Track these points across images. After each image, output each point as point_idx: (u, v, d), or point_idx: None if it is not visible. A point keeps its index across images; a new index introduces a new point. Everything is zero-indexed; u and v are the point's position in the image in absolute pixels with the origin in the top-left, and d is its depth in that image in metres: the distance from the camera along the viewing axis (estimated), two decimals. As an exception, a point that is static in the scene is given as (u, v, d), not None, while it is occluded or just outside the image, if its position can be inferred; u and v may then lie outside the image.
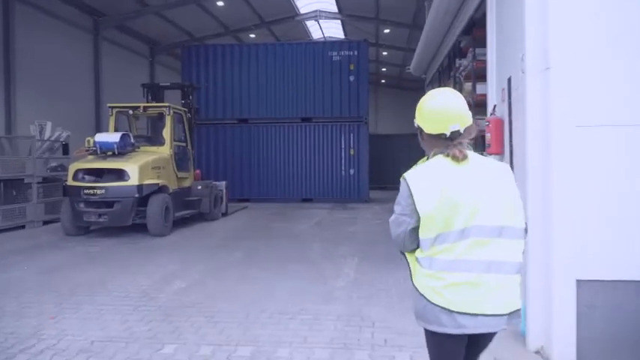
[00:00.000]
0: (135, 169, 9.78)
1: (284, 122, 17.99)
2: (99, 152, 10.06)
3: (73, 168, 10.06)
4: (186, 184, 12.20)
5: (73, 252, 8.65)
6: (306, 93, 17.93)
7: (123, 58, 20.58)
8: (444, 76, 11.37)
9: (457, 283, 2.14)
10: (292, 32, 24.19)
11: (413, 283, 2.28)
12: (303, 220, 12.80)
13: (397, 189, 2.33)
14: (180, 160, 11.79)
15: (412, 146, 23.15)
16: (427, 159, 2.35)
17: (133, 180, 9.70)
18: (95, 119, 18.34)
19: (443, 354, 2.30)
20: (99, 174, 9.88)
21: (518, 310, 2.23)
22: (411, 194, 2.20)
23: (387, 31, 23.52)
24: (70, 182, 9.89)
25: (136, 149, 10.69)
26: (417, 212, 2.19)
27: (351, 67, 17.78)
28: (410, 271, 2.31)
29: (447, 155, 2.23)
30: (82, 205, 9.69)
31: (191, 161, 12.63)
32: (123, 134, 10.34)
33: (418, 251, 2.25)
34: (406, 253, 2.32)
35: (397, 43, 24.65)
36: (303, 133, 17.94)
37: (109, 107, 11.56)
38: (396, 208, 2.30)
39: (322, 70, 17.85)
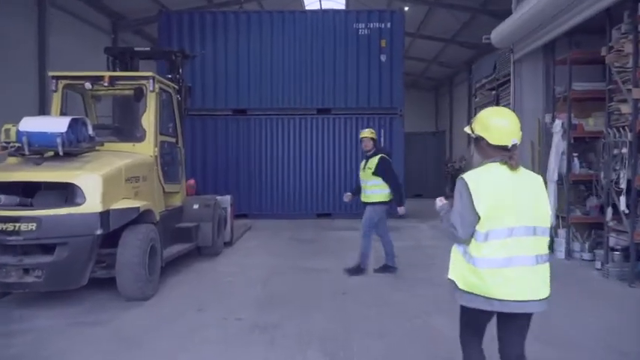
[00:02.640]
0: (95, 183, 5.45)
1: (294, 114, 13.77)
2: (27, 152, 5.61)
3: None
4: (176, 202, 7.89)
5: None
6: (324, 77, 13.74)
7: (78, 32, 15.83)
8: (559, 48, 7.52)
9: (508, 276, 2.64)
10: (287, 7, 19.86)
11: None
12: (347, 252, 8.63)
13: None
14: (168, 165, 7.47)
15: (429, 145, 19.07)
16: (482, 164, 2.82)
17: (92, 203, 5.36)
18: (39, 106, 13.64)
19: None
20: (27, 192, 5.50)
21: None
22: (470, 194, 2.66)
23: (406, 8, 19.52)
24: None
25: (97, 147, 6.36)
26: (475, 209, 2.64)
27: (383, 44, 13.69)
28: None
29: (504, 163, 2.72)
30: (-8, 251, 5.27)
31: (183, 167, 8.32)
32: (73, 120, 5.93)
33: (472, 245, 2.70)
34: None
35: (410, 29, 20.84)
36: (319, 129, 13.72)
37: (53, 78, 7.06)
38: (456, 203, 2.72)
39: (345, 47, 13.70)
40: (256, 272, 7.35)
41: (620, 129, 6.75)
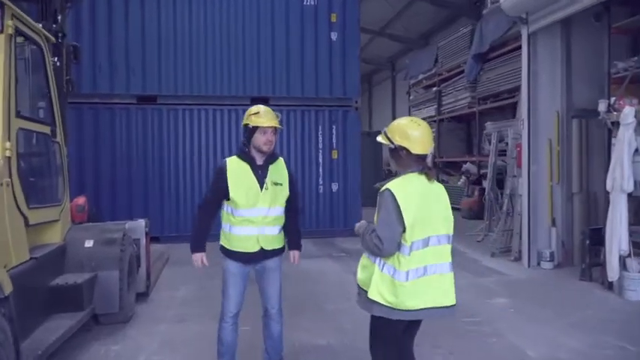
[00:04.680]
0: None
1: (222, 104, 10.55)
2: None
3: None
4: (53, 238, 4.53)
5: None
6: (260, 58, 10.67)
7: None
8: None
9: (428, 284, 2.72)
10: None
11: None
12: (339, 304, 5.72)
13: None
14: (37, 173, 4.15)
15: (364, 147, 16.48)
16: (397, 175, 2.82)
17: None
18: None
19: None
20: None
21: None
22: (398, 205, 2.65)
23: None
24: None
25: None
26: (403, 221, 2.64)
27: (333, 19, 10.92)
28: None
29: (423, 173, 2.76)
30: None
31: (65, 177, 4.92)
32: None
33: (395, 258, 2.70)
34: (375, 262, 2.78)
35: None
36: None
37: None
38: (382, 216, 2.68)
39: (286, 21, 10.73)
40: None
41: None
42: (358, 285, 2.89)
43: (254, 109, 3.59)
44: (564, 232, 7.79)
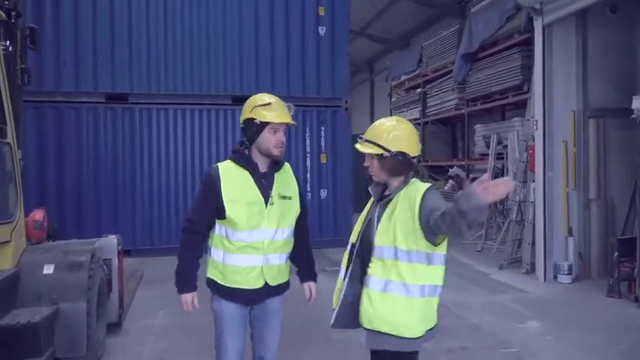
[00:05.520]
0: None
1: (201, 104, 9.59)
2: None
3: None
4: (2, 262, 3.60)
5: None
6: (242, 54, 9.77)
7: None
8: None
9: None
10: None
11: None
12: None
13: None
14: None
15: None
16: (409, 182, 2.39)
17: None
18: None
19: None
20: None
21: None
22: None
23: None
24: None
25: None
26: None
27: (321, 12, 10.13)
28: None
29: (416, 177, 2.41)
30: None
31: (19, 187, 3.97)
32: None
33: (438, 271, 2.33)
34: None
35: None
36: (236, 125, 9.50)
37: None
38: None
39: (270, 14, 9.88)
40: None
41: None
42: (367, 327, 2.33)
43: (262, 98, 2.75)
44: (581, 242, 7.16)
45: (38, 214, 4.47)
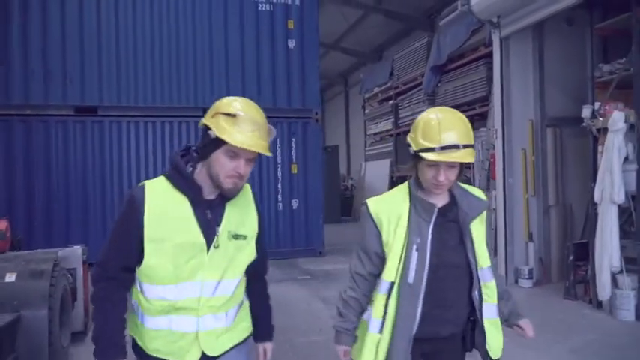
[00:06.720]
0: None
1: (172, 116, 9.67)
2: None
3: None
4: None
5: None
6: (213, 66, 9.91)
7: None
8: None
9: None
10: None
11: None
12: None
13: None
14: None
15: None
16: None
17: None
18: None
19: None
20: None
21: None
22: None
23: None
24: None
25: None
26: None
27: (290, 26, 10.35)
28: None
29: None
30: None
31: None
32: None
33: None
34: None
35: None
36: None
37: None
38: None
39: (240, 26, 10.04)
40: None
41: None
42: None
43: (230, 104, 1.83)
44: (541, 247, 7.40)
45: (1, 225, 4.51)
